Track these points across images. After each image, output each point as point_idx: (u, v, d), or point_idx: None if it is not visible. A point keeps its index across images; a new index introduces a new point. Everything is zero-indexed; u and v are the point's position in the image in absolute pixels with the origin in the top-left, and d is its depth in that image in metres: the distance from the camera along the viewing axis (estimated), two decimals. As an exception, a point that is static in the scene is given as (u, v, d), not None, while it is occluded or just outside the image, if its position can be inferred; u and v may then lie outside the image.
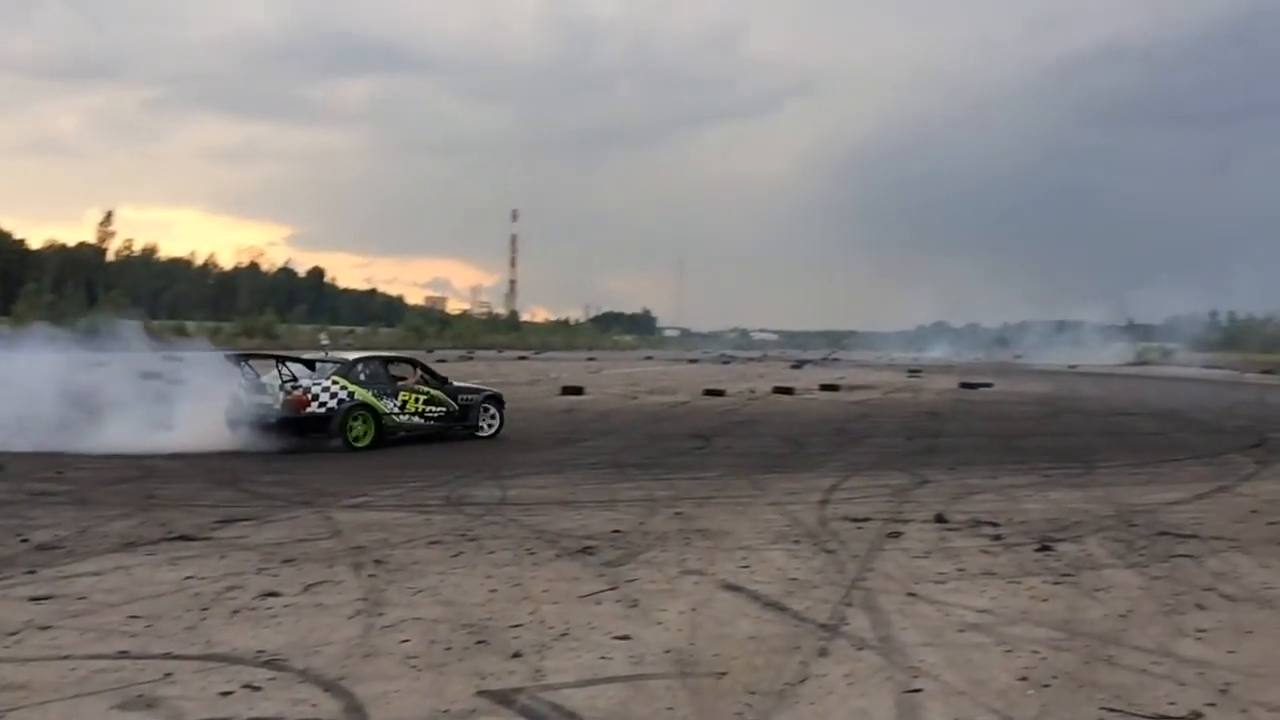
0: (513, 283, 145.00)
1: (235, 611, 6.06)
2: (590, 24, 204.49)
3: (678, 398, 28.45)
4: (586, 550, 7.88)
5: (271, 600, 6.31)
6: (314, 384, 15.43)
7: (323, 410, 15.22)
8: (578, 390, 28.92)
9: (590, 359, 66.99)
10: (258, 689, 4.68)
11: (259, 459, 14.01)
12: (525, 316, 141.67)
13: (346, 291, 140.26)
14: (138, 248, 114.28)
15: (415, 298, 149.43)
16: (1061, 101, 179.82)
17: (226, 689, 4.67)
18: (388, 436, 15.83)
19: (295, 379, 15.41)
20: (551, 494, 11.06)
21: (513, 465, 13.49)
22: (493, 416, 17.61)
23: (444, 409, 16.78)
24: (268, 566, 7.28)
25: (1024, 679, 4.90)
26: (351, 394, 15.55)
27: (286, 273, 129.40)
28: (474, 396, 17.61)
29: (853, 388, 33.95)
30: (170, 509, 9.86)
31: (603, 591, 6.59)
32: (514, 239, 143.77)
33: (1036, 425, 21.60)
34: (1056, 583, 6.98)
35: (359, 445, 15.30)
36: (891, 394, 32.15)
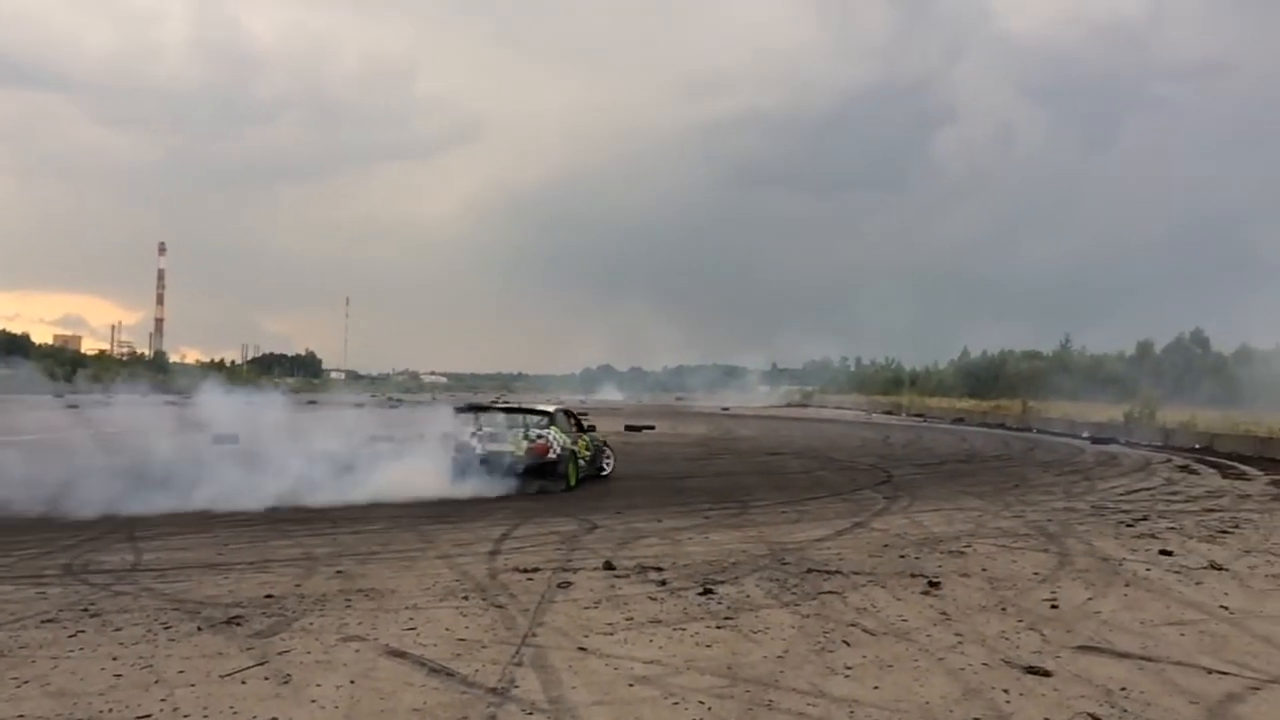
0: (159, 321, 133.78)
1: None
2: (248, 53, 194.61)
3: (344, 444, 27.15)
4: (233, 621, 7.14)
5: None
6: (545, 433, 17.09)
7: (554, 457, 16.80)
8: (232, 439, 26.83)
9: (248, 403, 62.86)
10: None
11: None
12: (174, 358, 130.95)
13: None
14: None
15: (44, 336, 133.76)
16: (713, 161, 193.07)
17: None
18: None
19: (534, 429, 17.24)
20: (195, 556, 10.03)
21: (151, 525, 12.15)
22: (608, 457, 19.73)
23: (591, 452, 18.67)
24: None
25: (691, 732, 4.91)
26: (568, 442, 17.46)
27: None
28: (600, 440, 19.81)
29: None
30: None
31: (249, 668, 5.95)
32: (161, 274, 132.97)
33: (695, 466, 22.65)
34: (719, 627, 7.16)
35: (571, 487, 17.01)
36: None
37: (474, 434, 17.21)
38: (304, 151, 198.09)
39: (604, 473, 19.22)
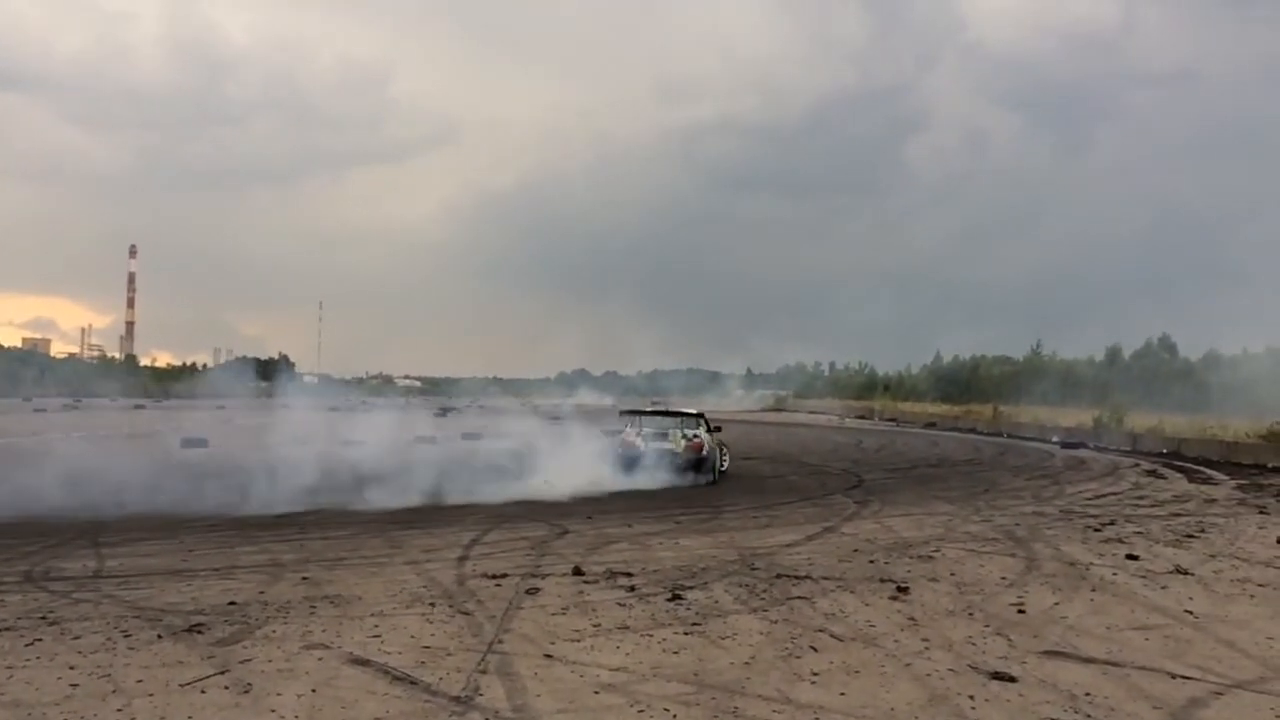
0: (130, 324, 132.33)
1: None
2: (221, 54, 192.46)
3: (314, 448, 26.96)
4: (194, 628, 7.04)
5: None
6: (698, 433, 19.95)
7: (705, 454, 19.58)
8: (201, 443, 26.61)
9: (220, 407, 62.26)
10: None
11: None
12: (145, 361, 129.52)
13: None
14: None
15: (12, 339, 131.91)
16: (688, 165, 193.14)
17: None
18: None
19: (689, 430, 20.05)
20: (159, 562, 9.89)
21: (117, 530, 11.99)
22: (726, 456, 21.77)
23: (717, 449, 20.77)
24: None
25: (656, 740, 4.88)
26: (713, 442, 20.36)
27: None
28: (722, 441, 21.79)
29: (496, 435, 33.94)
30: None
31: (209, 677, 5.86)
32: (131, 277, 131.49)
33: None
34: (687, 633, 7.13)
35: (714, 481, 19.59)
36: (533, 441, 32.46)
37: (638, 434, 20.03)
38: (277, 154, 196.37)
39: (723, 469, 21.15)
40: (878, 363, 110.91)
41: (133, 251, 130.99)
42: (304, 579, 8.96)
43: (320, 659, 6.28)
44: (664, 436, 19.78)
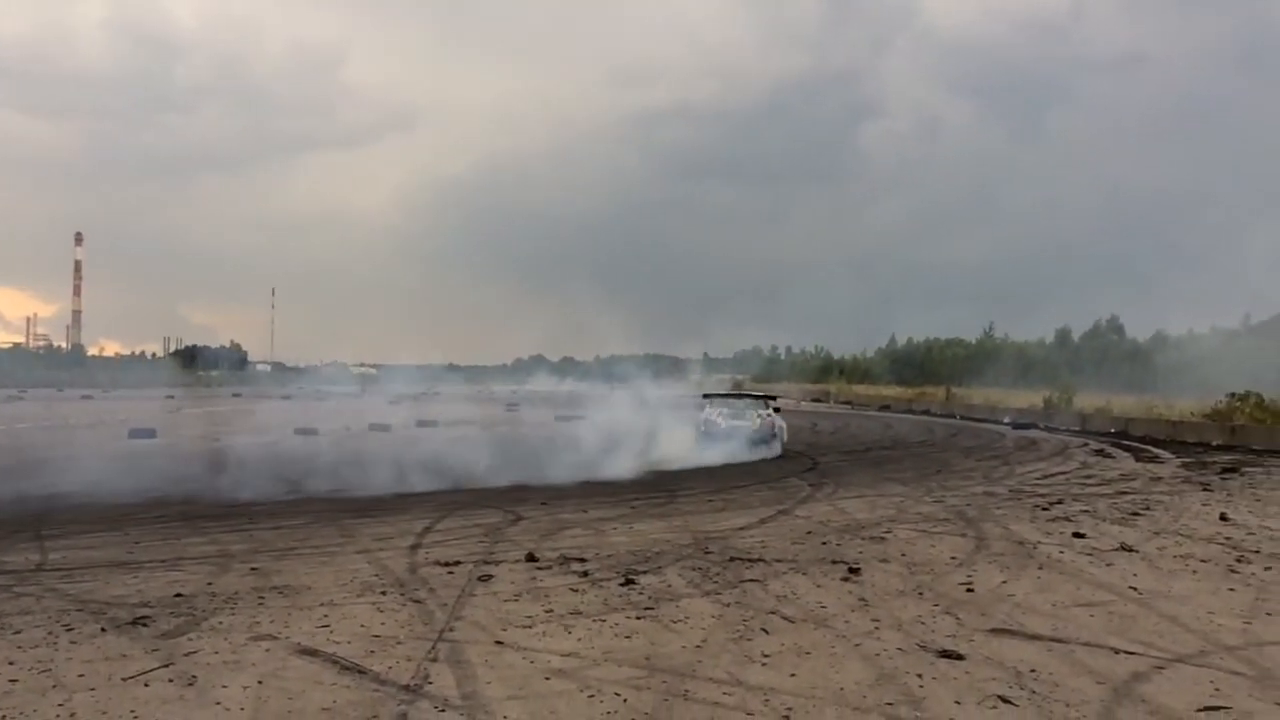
0: (76, 313, 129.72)
1: None
2: (168, 38, 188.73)
3: (266, 438, 26.67)
4: (139, 621, 6.92)
5: None
6: (768, 413, 23.87)
7: (775, 431, 23.39)
8: (149, 434, 26.20)
9: (169, 397, 61.35)
10: None
11: None
12: (92, 350, 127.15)
13: None
14: None
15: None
16: (643, 151, 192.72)
17: None
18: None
19: (762, 410, 24.04)
20: (104, 555, 9.70)
21: (60, 522, 11.75)
22: (783, 431, 24.49)
23: (783, 427, 24.46)
24: None
25: (605, 725, 4.87)
26: (780, 421, 24.47)
27: None
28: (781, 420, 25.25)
29: (451, 423, 33.75)
30: None
31: (153, 670, 5.76)
32: (78, 265, 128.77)
33: (623, 455, 22.56)
34: (639, 617, 7.14)
35: (781, 454, 22.61)
36: (489, 428, 32.33)
37: (718, 414, 23.65)
38: (228, 140, 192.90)
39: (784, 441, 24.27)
40: (834, 346, 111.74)
41: (79, 239, 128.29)
42: (253, 569, 8.85)
43: (268, 650, 6.20)
44: (741, 416, 23.49)
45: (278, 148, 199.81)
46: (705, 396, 25.86)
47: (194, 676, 5.65)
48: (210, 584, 8.22)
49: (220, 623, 6.90)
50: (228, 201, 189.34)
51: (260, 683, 5.52)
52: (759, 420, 23.20)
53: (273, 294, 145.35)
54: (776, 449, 22.93)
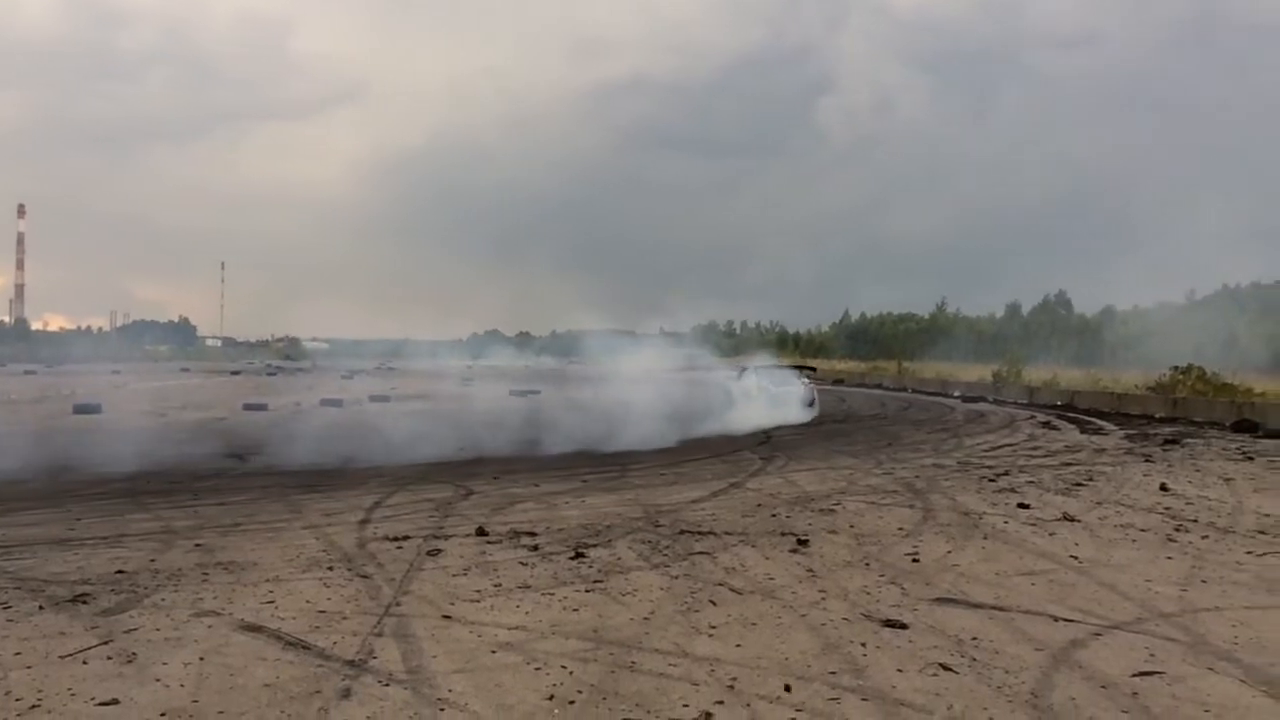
0: (20, 287, 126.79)
1: None
2: (112, 5, 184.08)
3: (214, 413, 26.34)
4: (79, 599, 6.80)
5: None
6: (807, 380, 29.02)
7: (813, 396, 27.72)
8: (94, 409, 25.71)
9: (115, 372, 60.25)
10: None
11: None
12: (36, 325, 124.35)
13: None
14: None
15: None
16: (601, 125, 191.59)
17: None
18: None
19: (803, 378, 29.17)
20: (44, 532, 9.51)
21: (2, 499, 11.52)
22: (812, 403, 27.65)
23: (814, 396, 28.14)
24: None
25: (551, 698, 4.88)
26: (814, 387, 29.02)
27: None
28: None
29: (404, 397, 33.52)
30: None
31: (92, 648, 5.67)
32: (20, 237, 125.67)
33: (578, 429, 22.57)
34: (588, 590, 7.15)
35: (817, 417, 26.64)
36: (443, 403, 32.16)
37: (767, 382, 28.04)
38: (175, 110, 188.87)
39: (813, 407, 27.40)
40: (789, 321, 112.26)
41: (21, 211, 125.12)
42: (197, 545, 8.73)
43: (210, 626, 6.13)
44: (788, 383, 28.24)
45: (226, 119, 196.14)
46: (743, 369, 30.66)
47: (133, 654, 5.57)
48: (153, 560, 8.10)
49: (162, 599, 6.80)
50: (176, 173, 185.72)
51: (201, 659, 5.46)
52: (803, 387, 27.85)
53: (222, 268, 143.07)
54: (815, 411, 26.98)
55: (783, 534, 9.43)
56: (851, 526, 9.89)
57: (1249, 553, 8.89)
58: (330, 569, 7.79)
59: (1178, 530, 9.97)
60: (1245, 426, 23.51)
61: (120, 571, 7.67)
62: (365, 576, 7.52)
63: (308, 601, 6.75)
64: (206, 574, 7.61)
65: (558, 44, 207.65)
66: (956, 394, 40.74)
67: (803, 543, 8.95)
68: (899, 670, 5.40)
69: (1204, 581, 7.74)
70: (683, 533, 9.43)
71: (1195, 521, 10.50)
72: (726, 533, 9.46)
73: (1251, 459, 16.91)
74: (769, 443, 19.60)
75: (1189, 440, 20.70)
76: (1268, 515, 10.95)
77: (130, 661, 5.44)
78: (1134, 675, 5.38)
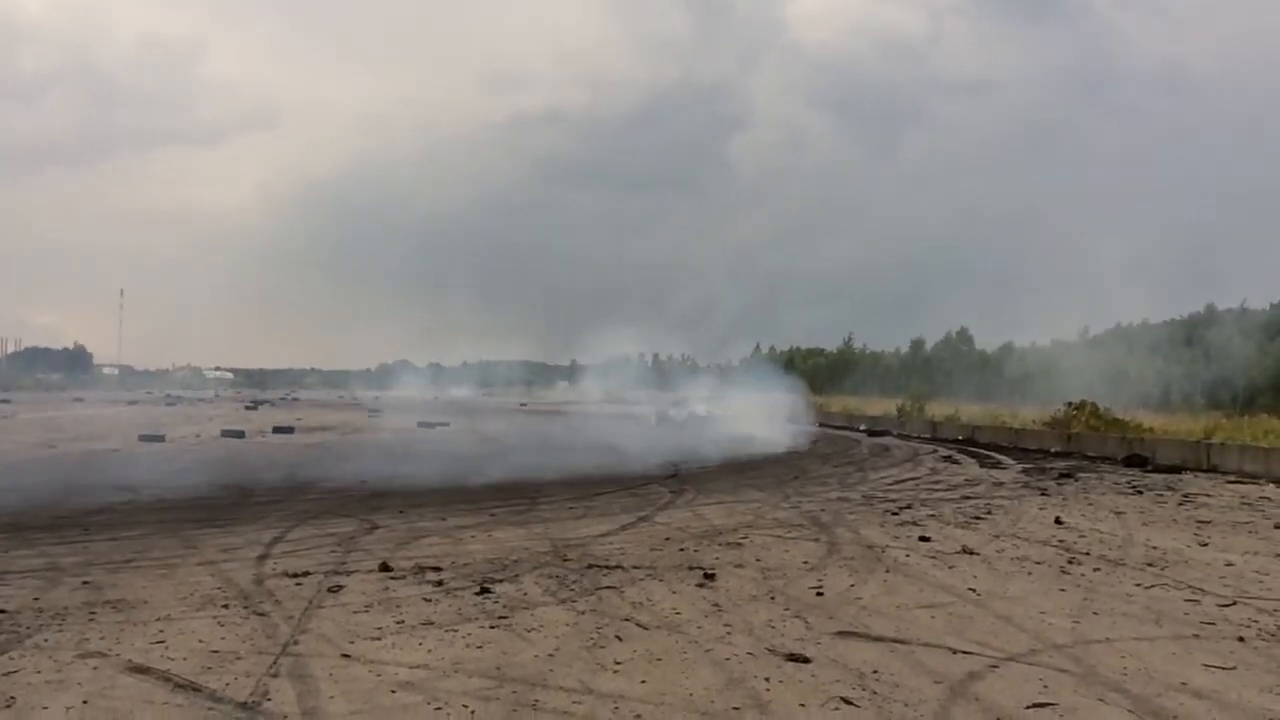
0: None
1: None
2: (11, 22, 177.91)
3: (108, 445, 25.41)
4: (-47, 641, 6.48)
5: None
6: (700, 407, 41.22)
7: (705, 415, 39.84)
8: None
9: (3, 401, 57.80)
10: None
11: None
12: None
13: None
14: None
15: None
16: (514, 157, 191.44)
17: None
18: None
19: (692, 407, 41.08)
20: (-82, 570, 9.04)
21: None
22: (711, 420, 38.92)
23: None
24: None
25: (451, 738, 4.79)
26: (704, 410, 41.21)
27: None
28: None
29: (309, 429, 32.84)
30: None
31: (-34, 693, 5.40)
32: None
33: (488, 463, 22.37)
34: (493, 626, 7.06)
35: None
36: (348, 435, 31.59)
37: (670, 409, 39.42)
38: (75, 132, 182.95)
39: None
40: (699, 355, 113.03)
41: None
42: (85, 583, 8.40)
43: (95, 668, 5.89)
44: (684, 408, 39.99)
45: (129, 142, 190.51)
46: (675, 402, 42.20)
47: (12, 698, 5.31)
48: (36, 599, 7.76)
49: (45, 640, 6.52)
50: (74, 196, 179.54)
51: (85, 703, 5.23)
52: (686, 414, 39.02)
53: (121, 294, 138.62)
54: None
55: (690, 568, 9.45)
56: (758, 560, 9.97)
57: (1138, 585, 9.20)
58: (225, 607, 7.56)
59: (1071, 563, 10.28)
60: (1136, 461, 24.39)
61: (1, 611, 7.32)
62: (262, 614, 7.31)
63: (200, 641, 6.54)
64: (94, 613, 7.32)
65: (471, 75, 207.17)
66: (862, 428, 41.49)
67: (709, 577, 8.99)
68: (801, 705, 5.45)
69: (1095, 613, 7.99)
70: (590, 567, 9.39)
71: (1088, 554, 10.84)
72: (634, 567, 9.45)
73: (1141, 493, 17.55)
74: (677, 476, 19.67)
75: (1082, 474, 21.39)
76: (1156, 548, 11.36)
77: (9, 706, 5.19)
78: (1028, 707, 5.51)
